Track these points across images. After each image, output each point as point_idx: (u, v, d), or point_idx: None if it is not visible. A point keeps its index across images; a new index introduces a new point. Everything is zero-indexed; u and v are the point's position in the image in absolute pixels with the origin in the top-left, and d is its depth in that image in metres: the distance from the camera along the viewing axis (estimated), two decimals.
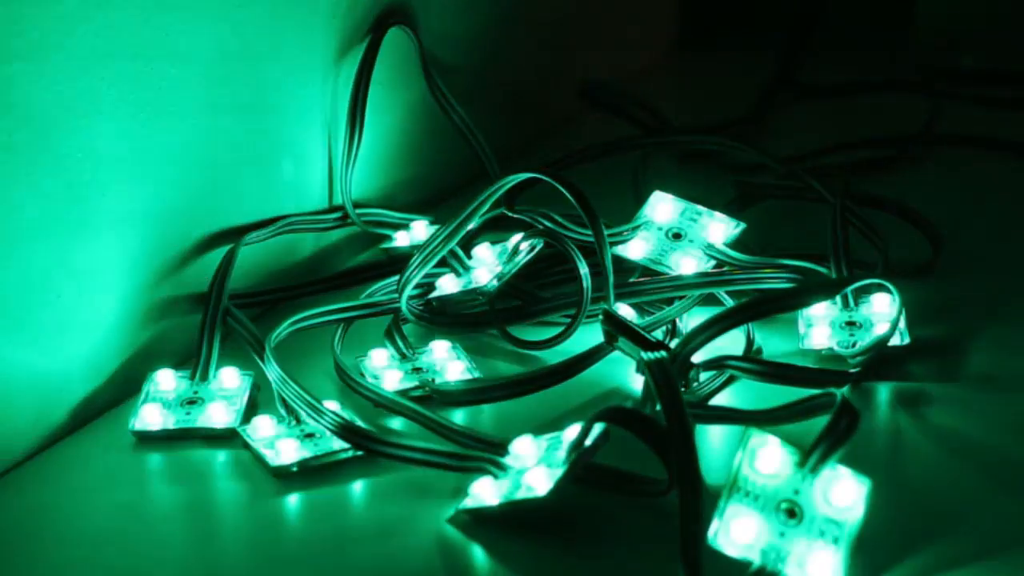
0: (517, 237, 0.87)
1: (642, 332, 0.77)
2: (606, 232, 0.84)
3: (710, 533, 0.62)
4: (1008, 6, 1.34)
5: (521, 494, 0.68)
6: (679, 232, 0.89)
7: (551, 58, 1.25)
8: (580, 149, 1.05)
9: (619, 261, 0.87)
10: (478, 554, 0.68)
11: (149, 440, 0.77)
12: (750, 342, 0.84)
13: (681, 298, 0.86)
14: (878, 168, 1.14)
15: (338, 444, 0.74)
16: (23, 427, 0.75)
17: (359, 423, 0.75)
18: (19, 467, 0.75)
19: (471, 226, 0.88)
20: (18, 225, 0.72)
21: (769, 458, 0.64)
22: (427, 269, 0.86)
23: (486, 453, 0.71)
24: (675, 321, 0.86)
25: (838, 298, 0.85)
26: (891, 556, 0.65)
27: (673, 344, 0.82)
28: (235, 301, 0.85)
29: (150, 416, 0.77)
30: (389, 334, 0.85)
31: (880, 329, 0.82)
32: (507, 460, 0.70)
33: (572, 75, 1.21)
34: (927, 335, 0.85)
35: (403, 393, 0.80)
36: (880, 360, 0.80)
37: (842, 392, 0.70)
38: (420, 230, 0.97)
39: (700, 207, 0.90)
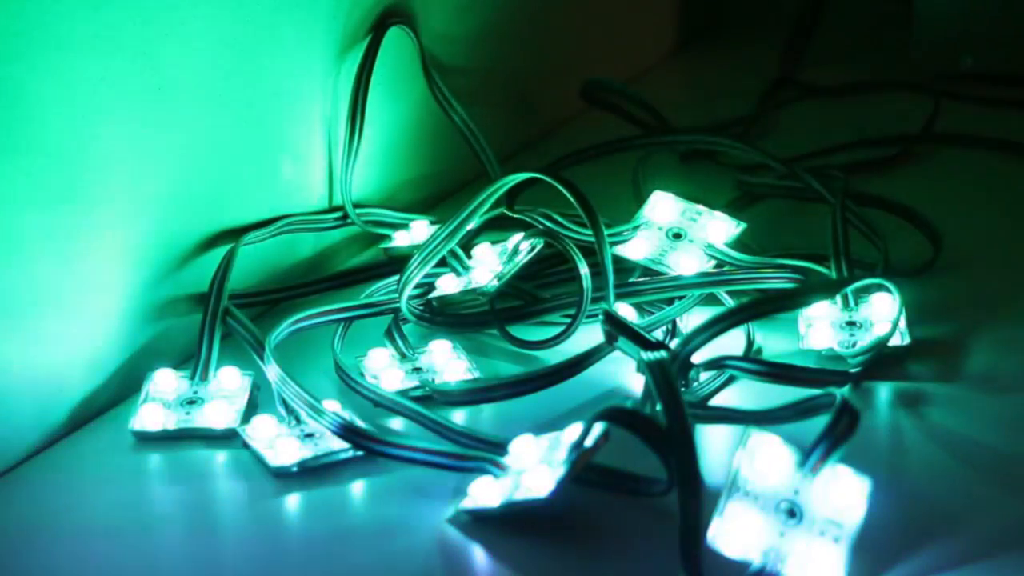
0: (517, 237, 0.87)
1: (642, 332, 0.77)
2: (606, 232, 0.84)
3: (710, 533, 0.62)
4: (1008, 6, 1.34)
5: (521, 494, 0.68)
6: (679, 232, 0.89)
7: (551, 58, 1.25)
8: (580, 149, 1.05)
9: (619, 261, 0.87)
10: (478, 554, 0.68)
11: (149, 440, 0.77)
12: (750, 342, 0.84)
13: (681, 298, 0.86)
14: (878, 168, 1.14)
15: (338, 444, 0.74)
16: (23, 427, 0.75)
17: (359, 423, 0.75)
18: (19, 467, 0.75)
19: (471, 226, 0.88)
20: (18, 225, 0.72)
21: (769, 458, 0.64)
22: (427, 269, 0.86)
23: (486, 453, 0.71)
24: (675, 321, 0.86)
25: (838, 298, 0.85)
26: (891, 556, 0.65)
27: (673, 344, 0.82)
28: (235, 301, 0.85)
29: (150, 416, 0.77)
30: (389, 334, 0.85)
31: (880, 329, 0.82)
32: (507, 460, 0.70)
33: (572, 75, 1.21)
34: (927, 335, 0.85)
35: (403, 393, 0.80)
36: (880, 360, 0.80)
37: (842, 392, 0.70)
38: (420, 230, 0.97)
39: (700, 207, 0.90)
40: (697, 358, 0.77)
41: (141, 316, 0.82)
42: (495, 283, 0.85)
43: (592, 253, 0.84)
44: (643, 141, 1.10)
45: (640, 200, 0.92)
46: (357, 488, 0.73)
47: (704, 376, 0.79)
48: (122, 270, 0.80)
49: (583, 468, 0.67)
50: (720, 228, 0.89)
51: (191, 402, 0.79)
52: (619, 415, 0.66)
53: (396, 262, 0.93)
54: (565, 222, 0.87)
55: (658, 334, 0.85)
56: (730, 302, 0.87)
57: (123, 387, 0.81)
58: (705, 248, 0.88)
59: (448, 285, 0.88)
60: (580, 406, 0.79)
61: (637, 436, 0.66)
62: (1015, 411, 0.78)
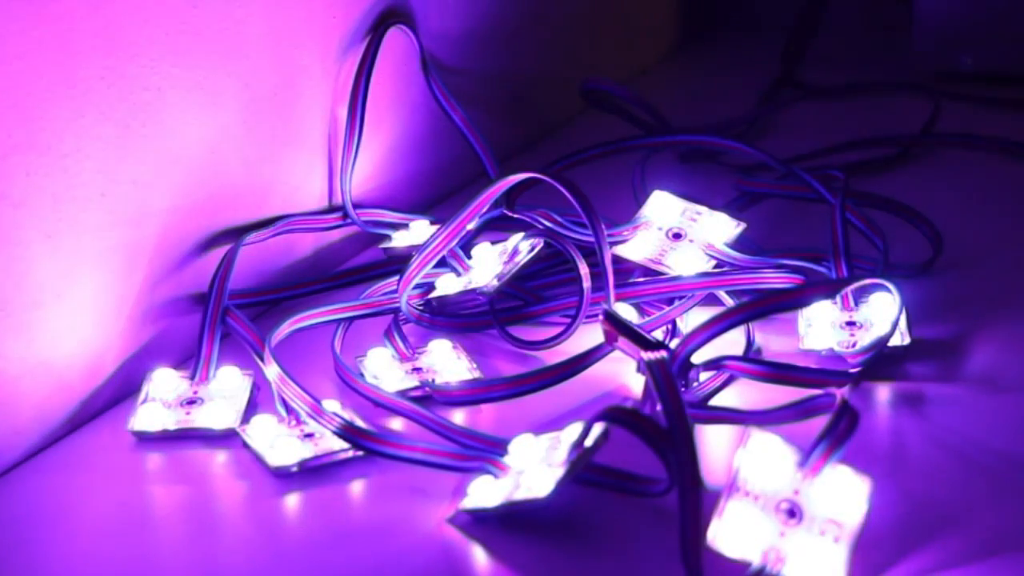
0: (517, 237, 0.87)
1: (642, 332, 0.77)
2: (606, 232, 0.84)
3: (710, 533, 0.62)
4: (1008, 6, 1.34)
5: (521, 494, 0.68)
6: (679, 232, 0.89)
7: (551, 58, 1.25)
8: (580, 149, 1.05)
9: (619, 261, 0.87)
10: (478, 554, 0.68)
11: (149, 440, 0.77)
12: (750, 342, 0.84)
13: (681, 298, 0.86)
14: (878, 168, 1.14)
15: (338, 444, 0.74)
16: (23, 427, 0.75)
17: (359, 423, 0.75)
18: (19, 467, 0.75)
19: (471, 226, 0.88)
20: (17, 225, 0.72)
21: (769, 458, 0.64)
22: (427, 269, 0.86)
23: (486, 453, 0.71)
24: (675, 321, 0.86)
25: (838, 298, 0.85)
26: (891, 556, 0.65)
27: (673, 344, 0.82)
28: (235, 301, 0.85)
29: (150, 416, 0.77)
30: (389, 334, 0.85)
31: (880, 329, 0.82)
32: (507, 460, 0.70)
33: (572, 75, 1.21)
34: (927, 335, 0.85)
35: (403, 393, 0.80)
36: (880, 360, 0.80)
37: (842, 392, 0.70)
38: (420, 230, 0.97)
39: (700, 207, 0.90)
40: (697, 358, 0.77)
41: (141, 316, 0.82)
42: (495, 283, 0.85)
43: (592, 253, 0.84)
44: (643, 141, 1.10)
45: (640, 200, 0.92)
46: (357, 488, 0.73)
47: (704, 376, 0.79)
48: (122, 270, 0.80)
49: (583, 468, 0.67)
50: (720, 228, 0.89)
51: (191, 402, 0.79)
52: (619, 415, 0.66)
53: (396, 262, 0.93)
54: (565, 222, 0.87)
55: (658, 334, 0.84)
56: (730, 302, 0.87)
57: (123, 387, 0.81)
58: (705, 248, 0.88)
59: (448, 285, 0.88)
60: (580, 406, 0.79)
61: (637, 436, 0.66)
62: (1015, 411, 0.78)
